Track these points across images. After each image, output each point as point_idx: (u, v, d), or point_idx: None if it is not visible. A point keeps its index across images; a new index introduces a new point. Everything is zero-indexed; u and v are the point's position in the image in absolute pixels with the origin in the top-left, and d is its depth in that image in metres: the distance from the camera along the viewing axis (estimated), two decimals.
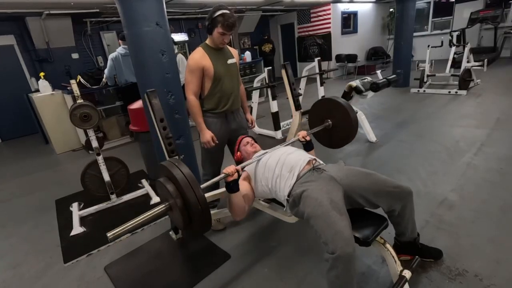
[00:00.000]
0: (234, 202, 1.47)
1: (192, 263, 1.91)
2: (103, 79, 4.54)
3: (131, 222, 1.08)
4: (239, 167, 1.46)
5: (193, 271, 1.83)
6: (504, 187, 2.27)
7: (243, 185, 1.61)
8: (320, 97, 4.04)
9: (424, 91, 5.61)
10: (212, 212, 2.08)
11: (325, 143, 2.19)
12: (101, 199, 2.70)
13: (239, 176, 1.44)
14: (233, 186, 1.43)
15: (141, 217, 1.11)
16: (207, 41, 1.91)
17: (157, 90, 1.80)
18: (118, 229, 1.05)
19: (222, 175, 1.41)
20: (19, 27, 5.50)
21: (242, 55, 6.48)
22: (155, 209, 1.17)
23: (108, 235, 1.04)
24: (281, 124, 4.15)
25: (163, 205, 1.19)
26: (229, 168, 1.42)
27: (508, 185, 2.29)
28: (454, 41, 5.68)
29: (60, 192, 3.13)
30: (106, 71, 4.37)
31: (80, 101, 2.35)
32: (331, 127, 2.03)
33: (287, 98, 2.98)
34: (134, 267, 1.92)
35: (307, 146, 1.86)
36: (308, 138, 1.84)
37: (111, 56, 4.22)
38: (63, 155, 4.50)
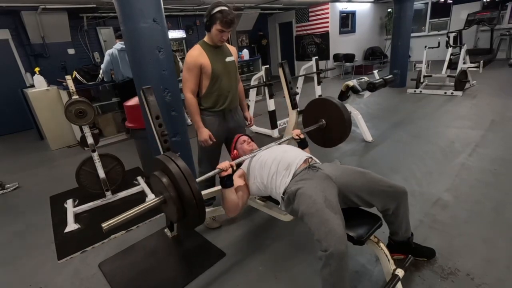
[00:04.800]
0: (227, 198, 1.50)
1: (187, 260, 1.91)
2: (100, 75, 4.52)
3: (126, 214, 1.11)
4: (233, 162, 1.49)
5: (188, 268, 1.83)
6: (498, 188, 2.30)
7: (238, 183, 1.63)
8: (317, 96, 4.04)
9: (421, 91, 5.64)
10: (207, 210, 2.09)
11: (319, 142, 2.21)
12: (96, 196, 2.69)
13: (233, 171, 1.47)
14: (227, 181, 1.47)
15: (136, 209, 1.13)
16: (205, 39, 1.90)
17: (153, 87, 1.79)
18: (113, 221, 1.08)
19: (216, 170, 1.45)
20: (14, 21, 5.43)
21: (240, 53, 6.47)
22: (150, 202, 1.19)
23: (103, 225, 1.06)
24: (278, 122, 4.16)
25: (158, 198, 1.20)
26: (223, 164, 1.46)
27: (501, 186, 2.32)
28: (451, 42, 5.71)
29: (54, 188, 3.10)
30: (102, 65, 4.35)
31: (75, 97, 2.33)
32: (324, 126, 2.06)
33: (284, 96, 2.98)
34: (129, 264, 1.91)
35: (301, 144, 1.89)
36: (302, 136, 1.87)
37: (108, 51, 4.21)
38: (58, 151, 4.47)
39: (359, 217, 1.43)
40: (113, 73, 4.41)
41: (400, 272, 1.34)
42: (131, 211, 1.13)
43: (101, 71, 4.47)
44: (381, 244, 1.39)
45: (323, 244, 1.15)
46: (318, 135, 2.15)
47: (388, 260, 1.37)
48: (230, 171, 1.45)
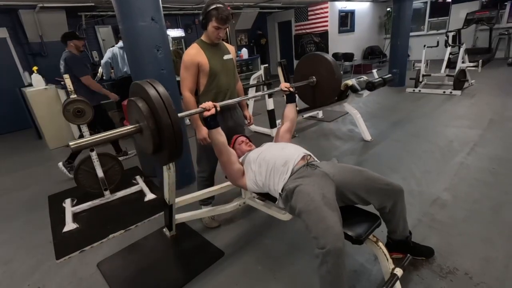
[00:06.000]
0: (215, 138, 1.54)
1: (185, 260, 1.91)
2: (98, 74, 4.51)
3: (97, 136, 1.06)
4: (217, 103, 1.49)
5: (187, 268, 1.82)
6: (496, 187, 2.30)
7: (234, 152, 1.69)
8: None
9: (420, 90, 5.65)
10: (207, 209, 2.09)
11: (308, 101, 2.16)
12: (95, 195, 2.68)
13: (216, 111, 1.48)
14: (211, 121, 1.49)
15: (108, 132, 1.08)
16: (203, 37, 1.90)
17: None
18: (82, 140, 1.03)
19: (199, 109, 1.44)
20: (12, 20, 5.40)
21: (239, 52, 6.46)
22: (124, 128, 1.12)
23: (70, 143, 1.00)
24: (277, 122, 4.15)
25: (133, 126, 1.13)
26: (206, 103, 1.46)
27: (500, 185, 2.32)
28: (450, 41, 5.72)
29: (53, 188, 3.10)
30: (102, 60, 4.36)
31: (73, 96, 2.32)
32: (315, 83, 2.01)
33: (283, 96, 2.97)
34: (127, 263, 1.91)
35: (289, 97, 1.89)
36: (291, 89, 1.85)
37: (109, 49, 4.24)
38: (56, 151, 4.45)
39: (358, 216, 1.43)
40: (112, 72, 4.41)
41: (398, 272, 1.34)
42: (103, 134, 1.06)
43: (100, 68, 4.47)
44: (380, 244, 1.39)
45: (320, 241, 1.15)
46: (308, 93, 2.10)
47: (387, 259, 1.37)
48: (213, 111, 1.46)
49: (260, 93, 1.91)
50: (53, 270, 1.91)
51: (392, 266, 1.37)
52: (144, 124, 1.08)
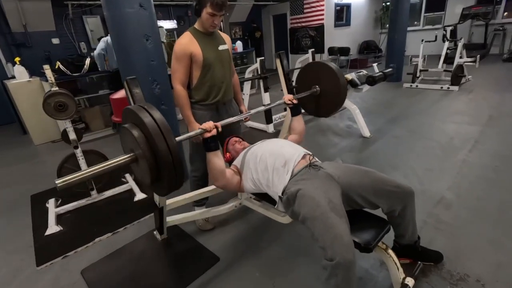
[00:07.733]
0: (213, 162, 1.39)
1: (177, 266, 1.77)
2: (85, 66, 4.28)
3: (87, 170, 0.95)
4: (218, 123, 1.37)
5: (179, 275, 1.69)
6: (500, 185, 2.23)
7: (231, 172, 1.53)
8: None
9: (417, 86, 5.57)
10: (200, 211, 1.96)
11: (312, 111, 2.07)
12: (81, 195, 2.51)
13: (218, 132, 1.35)
14: (211, 143, 1.36)
15: (101, 165, 0.97)
16: (196, 25, 1.74)
17: (141, 79, 1.64)
18: (70, 176, 0.91)
19: (199, 130, 1.32)
20: None
21: (234, 45, 6.28)
22: (118, 159, 1.01)
23: (57, 181, 0.89)
24: (273, 117, 4.02)
25: (128, 155, 1.03)
26: (207, 124, 1.33)
27: (504, 183, 2.25)
28: (448, 36, 5.64)
29: (36, 186, 2.91)
30: (95, 52, 4.18)
31: (55, 88, 2.14)
32: (318, 93, 1.91)
33: (281, 89, 2.84)
34: (114, 270, 1.77)
35: (294, 110, 1.76)
36: (295, 101, 1.73)
37: (103, 38, 4.05)
38: (41, 147, 4.24)
39: (365, 221, 1.32)
40: (107, 59, 4.22)
41: (410, 282, 1.24)
42: (94, 168, 0.96)
43: (86, 60, 4.26)
44: (390, 251, 1.29)
45: (328, 252, 1.03)
46: (311, 103, 2.00)
47: (398, 268, 1.27)
48: (214, 131, 1.34)
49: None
50: (33, 278, 1.76)
51: (402, 275, 1.26)
52: (140, 153, 0.98)
